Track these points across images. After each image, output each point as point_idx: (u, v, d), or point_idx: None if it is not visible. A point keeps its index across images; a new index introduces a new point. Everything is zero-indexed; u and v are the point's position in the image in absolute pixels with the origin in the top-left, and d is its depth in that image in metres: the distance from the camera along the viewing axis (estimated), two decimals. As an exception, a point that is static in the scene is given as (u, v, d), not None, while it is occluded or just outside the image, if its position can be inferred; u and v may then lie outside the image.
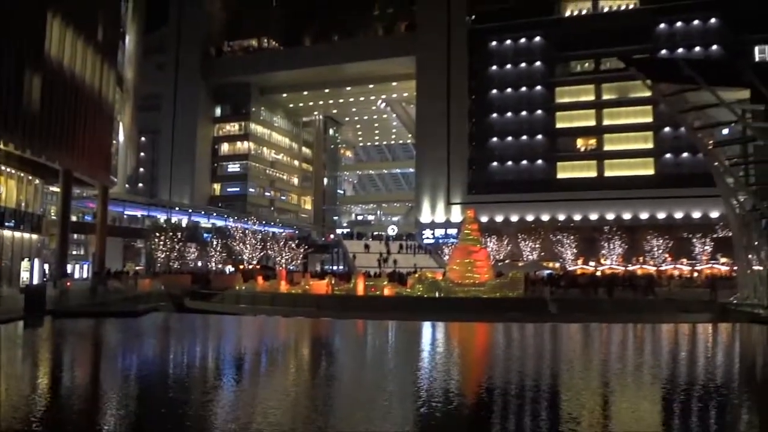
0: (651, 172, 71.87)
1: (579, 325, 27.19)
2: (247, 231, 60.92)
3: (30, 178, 38.82)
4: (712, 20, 70.09)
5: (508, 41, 78.26)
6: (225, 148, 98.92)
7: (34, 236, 39.28)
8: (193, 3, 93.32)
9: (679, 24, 71.83)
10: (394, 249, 65.30)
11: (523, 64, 77.79)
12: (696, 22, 71.05)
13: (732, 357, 19.76)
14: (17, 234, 36.69)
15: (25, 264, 37.34)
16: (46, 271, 42.23)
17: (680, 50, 69.65)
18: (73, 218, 50.69)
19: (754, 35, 65.83)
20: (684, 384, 13.77)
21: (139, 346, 19.74)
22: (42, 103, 33.20)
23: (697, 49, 69.95)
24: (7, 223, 35.36)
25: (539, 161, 76.45)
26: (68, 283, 34.78)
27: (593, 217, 71.69)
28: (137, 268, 62.30)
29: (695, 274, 54.12)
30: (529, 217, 73.93)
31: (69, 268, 47.36)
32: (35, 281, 36.96)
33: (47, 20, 33.56)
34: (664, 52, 69.88)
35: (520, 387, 13.11)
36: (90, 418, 10.03)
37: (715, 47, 69.35)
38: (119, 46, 48.48)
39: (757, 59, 65.44)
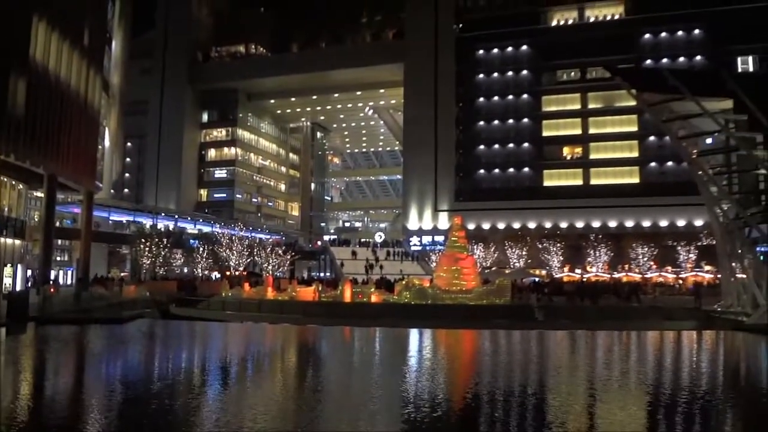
0: (636, 180, 72.57)
1: (565, 332, 27.33)
2: (233, 237, 60.60)
3: (13, 182, 38.35)
4: (696, 31, 71.13)
5: (495, 50, 78.81)
6: (212, 153, 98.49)
7: (17, 242, 38.77)
8: (181, 8, 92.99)
9: (663, 34, 72.79)
10: (381, 256, 65.33)
11: (510, 73, 78.38)
12: (680, 32, 72.07)
13: (720, 365, 19.86)
14: (0, 239, 36.19)
15: (7, 270, 36.80)
16: (28, 277, 41.68)
17: (665, 60, 70.57)
18: (57, 223, 50.09)
19: (736, 46, 66.90)
20: (675, 393, 13.80)
21: (123, 354, 19.53)
22: (27, 108, 32.85)
23: (681, 59, 70.93)
24: (-11, 229, 34.90)
25: (526, 169, 76.92)
26: (52, 290, 34.36)
27: (579, 224, 72.24)
28: (122, 274, 61.64)
29: (680, 282, 54.62)
30: (516, 225, 74.32)
31: (53, 274, 46.78)
32: (18, 287, 36.45)
33: (32, 24, 33.26)
34: (649, 61, 70.76)
35: (509, 395, 13.13)
36: (71, 427, 9.90)
37: (698, 58, 70.34)
38: (105, 50, 48.15)
39: (739, 70, 66.46)
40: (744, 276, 32.36)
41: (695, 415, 11.46)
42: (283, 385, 14.31)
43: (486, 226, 75.11)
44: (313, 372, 16.48)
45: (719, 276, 40.29)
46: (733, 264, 33.67)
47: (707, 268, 56.88)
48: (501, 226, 74.92)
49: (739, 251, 33.10)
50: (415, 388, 13.68)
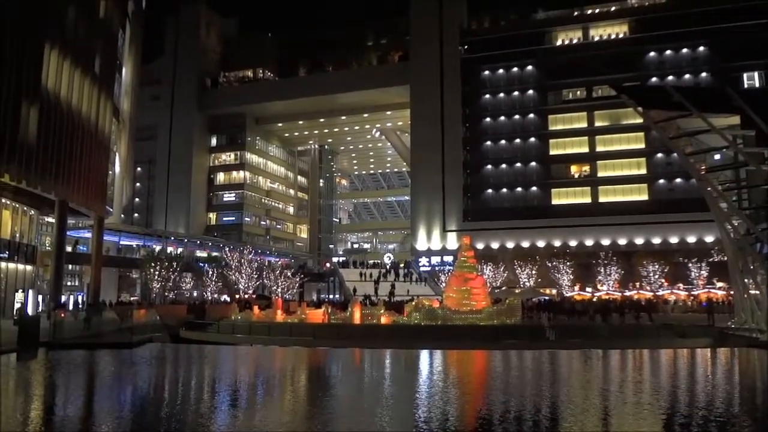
0: (645, 197, 72.37)
1: (578, 352, 26.96)
2: (242, 260, 60.66)
3: (25, 209, 38.75)
4: (701, 48, 71.45)
5: (501, 70, 79.40)
6: (221, 177, 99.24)
7: (29, 267, 39.05)
8: (189, 35, 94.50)
9: (668, 52, 73.16)
10: (390, 277, 65.20)
11: (516, 93, 78.85)
12: (685, 50, 72.42)
13: (748, 387, 18.43)
14: (11, 265, 36.47)
15: (19, 295, 36.99)
16: (40, 303, 41.80)
17: (670, 78, 70.82)
18: (69, 248, 50.37)
19: (741, 62, 67.09)
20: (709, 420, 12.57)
21: (134, 379, 19.45)
22: (38, 135, 33.31)
23: (687, 76, 71.20)
24: (1, 254, 35.17)
25: (534, 188, 76.94)
26: (62, 314, 34.41)
27: (589, 243, 71.94)
28: (132, 298, 61.75)
29: (692, 299, 54.08)
30: (525, 244, 74.08)
31: (63, 298, 46.92)
32: (29, 312, 36.55)
33: (45, 52, 33.86)
34: (654, 79, 70.98)
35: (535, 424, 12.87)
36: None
37: (704, 74, 70.58)
38: (116, 77, 48.89)
39: (745, 86, 66.51)
40: (757, 292, 31.98)
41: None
42: (299, 410, 14.20)
43: (495, 245, 74.92)
44: (329, 397, 16.34)
45: (732, 293, 39.85)
46: (746, 280, 33.29)
47: (719, 284, 56.34)
48: (510, 245, 74.70)
49: (752, 267, 32.72)
50: (435, 415, 13.46)
